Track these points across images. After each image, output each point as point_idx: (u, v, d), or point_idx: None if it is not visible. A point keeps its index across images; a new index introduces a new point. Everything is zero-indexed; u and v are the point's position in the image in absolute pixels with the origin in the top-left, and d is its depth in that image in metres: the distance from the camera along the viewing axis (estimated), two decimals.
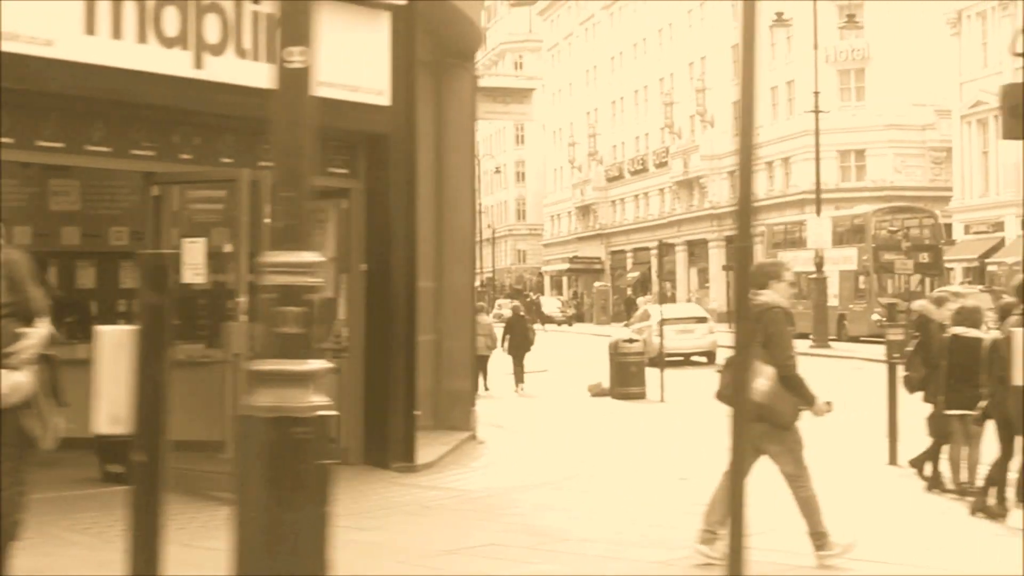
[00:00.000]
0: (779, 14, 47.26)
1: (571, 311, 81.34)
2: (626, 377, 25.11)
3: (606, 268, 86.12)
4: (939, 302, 13.20)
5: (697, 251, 74.32)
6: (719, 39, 71.21)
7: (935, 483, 12.82)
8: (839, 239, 46.31)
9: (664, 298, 52.23)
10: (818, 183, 41.79)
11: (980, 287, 42.61)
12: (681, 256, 76.47)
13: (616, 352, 25.50)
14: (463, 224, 15.72)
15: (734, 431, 8.06)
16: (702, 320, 36.94)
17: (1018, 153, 49.35)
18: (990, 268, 47.41)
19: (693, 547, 8.68)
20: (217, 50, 10.82)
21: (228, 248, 11.09)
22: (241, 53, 11.02)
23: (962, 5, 52.86)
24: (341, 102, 11.90)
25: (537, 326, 50.61)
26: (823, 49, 62.89)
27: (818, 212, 40.86)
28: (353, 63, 12.08)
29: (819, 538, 9.09)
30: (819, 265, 39.88)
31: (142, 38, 10.26)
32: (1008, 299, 11.91)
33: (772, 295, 9.38)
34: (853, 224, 46.23)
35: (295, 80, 5.12)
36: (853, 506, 11.31)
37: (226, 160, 11.56)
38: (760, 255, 64.10)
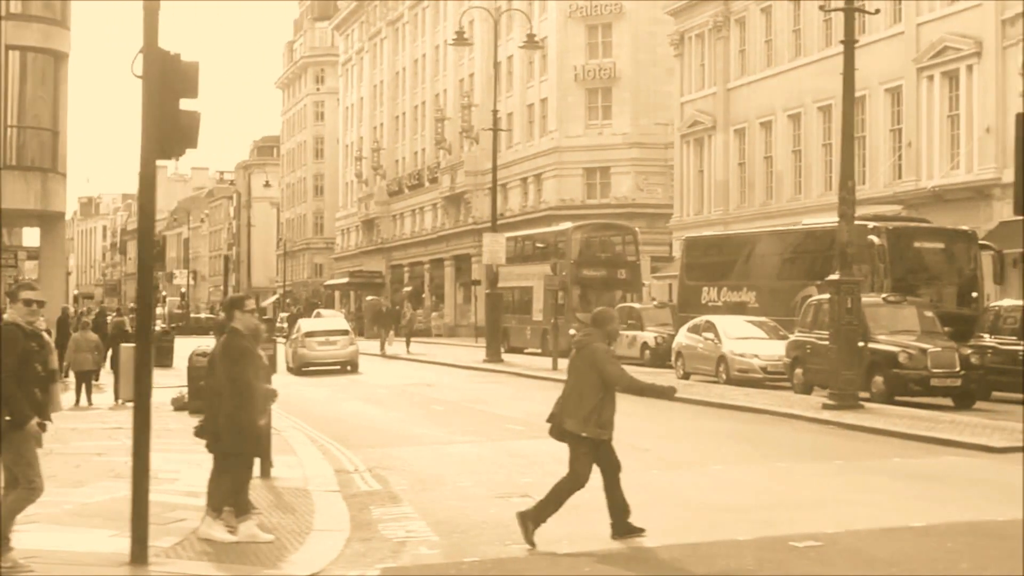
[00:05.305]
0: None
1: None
2: (200, 390, 25.16)
3: (386, 282, 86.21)
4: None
5: (463, 266, 74.80)
6: (486, 58, 71.86)
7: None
8: (544, 255, 47.11)
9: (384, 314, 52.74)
10: (494, 206, 42.47)
11: (656, 302, 43.77)
12: (449, 271, 76.99)
13: (192, 365, 25.52)
14: None
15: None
16: (344, 333, 39.64)
17: (726, 173, 50.81)
18: None
19: None
20: None
21: None
22: None
23: (685, 27, 54.14)
24: None
25: None
26: (572, 68, 64.18)
27: (494, 230, 41.41)
28: None
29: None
30: (493, 281, 40.41)
31: None
32: (223, 316, 12.25)
33: (12, 314, 9.70)
34: (556, 240, 47.03)
35: None
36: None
37: None
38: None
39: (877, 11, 24.65)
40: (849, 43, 22.64)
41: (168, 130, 9.87)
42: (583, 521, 11.37)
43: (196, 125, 10.14)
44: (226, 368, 11.40)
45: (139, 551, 9.72)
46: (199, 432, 12.12)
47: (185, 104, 10.17)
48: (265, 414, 11.95)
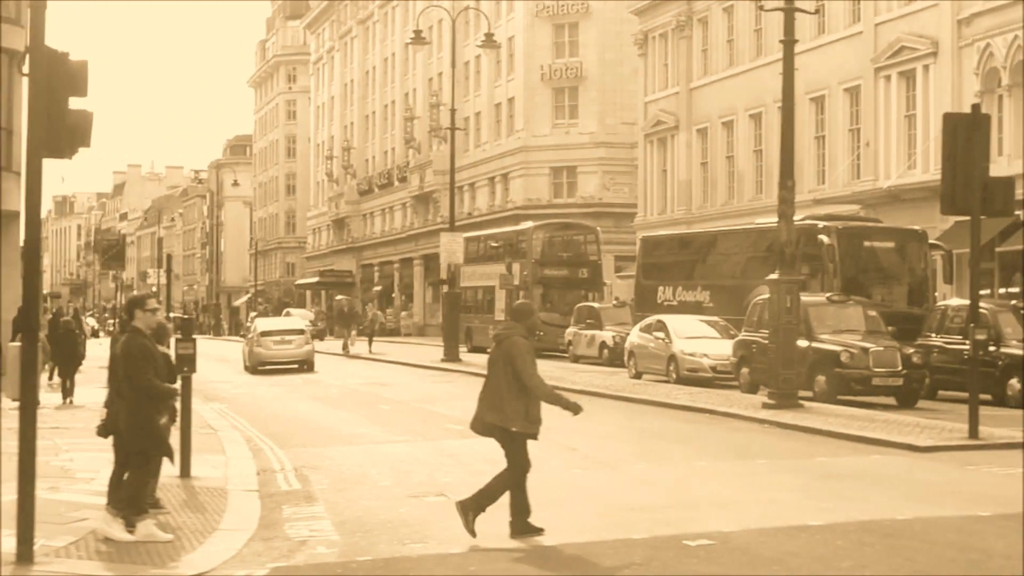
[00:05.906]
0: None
1: (320, 325, 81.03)
2: None
3: (356, 282, 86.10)
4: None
5: (432, 265, 74.69)
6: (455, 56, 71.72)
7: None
8: (506, 255, 47.07)
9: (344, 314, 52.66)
10: (452, 205, 42.49)
11: (615, 301, 43.83)
12: (419, 270, 76.96)
13: None
14: None
15: None
16: (300, 332, 39.89)
17: (688, 173, 50.86)
18: None
19: None
20: None
21: None
22: None
23: (649, 26, 54.19)
24: None
25: None
26: (539, 67, 64.21)
27: (452, 229, 41.45)
28: None
29: None
30: (452, 281, 40.44)
31: None
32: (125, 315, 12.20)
33: None
34: (518, 240, 47.04)
35: None
36: None
37: None
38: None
39: (817, 11, 24.67)
40: (789, 43, 22.69)
41: (56, 129, 9.83)
42: (484, 519, 11.36)
43: (87, 124, 10.11)
44: (126, 367, 11.38)
45: (24, 551, 9.71)
46: (101, 431, 12.14)
47: (76, 103, 10.15)
48: (167, 413, 11.91)
